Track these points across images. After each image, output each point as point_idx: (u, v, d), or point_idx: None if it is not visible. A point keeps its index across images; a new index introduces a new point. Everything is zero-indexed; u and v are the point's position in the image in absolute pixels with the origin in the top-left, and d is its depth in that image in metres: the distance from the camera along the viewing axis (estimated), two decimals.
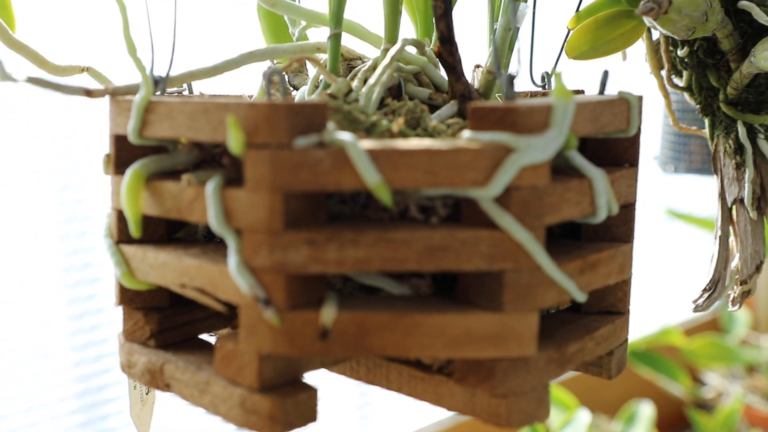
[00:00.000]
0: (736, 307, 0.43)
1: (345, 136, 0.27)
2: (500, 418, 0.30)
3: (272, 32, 0.39)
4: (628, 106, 0.33)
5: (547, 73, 0.42)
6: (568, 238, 0.35)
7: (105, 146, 0.34)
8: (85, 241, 0.77)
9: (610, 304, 0.35)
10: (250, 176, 0.27)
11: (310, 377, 0.31)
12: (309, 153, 0.27)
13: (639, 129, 0.34)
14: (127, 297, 0.33)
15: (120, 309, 0.34)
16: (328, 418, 0.94)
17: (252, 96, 0.41)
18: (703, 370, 1.19)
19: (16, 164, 0.73)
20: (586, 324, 0.33)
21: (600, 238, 0.34)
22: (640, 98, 0.34)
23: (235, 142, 0.27)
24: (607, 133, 0.33)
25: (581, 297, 0.31)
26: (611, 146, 0.34)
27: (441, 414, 1.05)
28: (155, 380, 0.33)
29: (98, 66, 0.37)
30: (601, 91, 0.35)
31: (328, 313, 0.28)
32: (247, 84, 0.44)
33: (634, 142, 0.34)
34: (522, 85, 0.44)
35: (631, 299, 0.36)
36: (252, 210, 0.27)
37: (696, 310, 0.43)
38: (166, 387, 0.32)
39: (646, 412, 0.99)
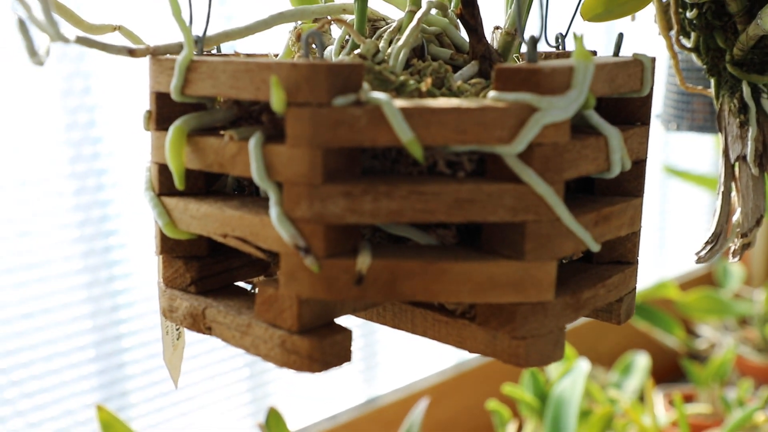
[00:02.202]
0: (737, 259, 0.46)
1: (380, 95, 0.29)
2: (520, 359, 0.32)
3: None
4: (642, 67, 0.35)
5: (561, 34, 0.44)
6: (582, 192, 0.37)
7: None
8: (102, 195, 0.79)
9: (621, 254, 0.37)
10: (292, 132, 0.29)
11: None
12: (347, 111, 0.29)
13: (651, 89, 0.36)
14: (168, 246, 0.35)
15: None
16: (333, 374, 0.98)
17: (278, 55, 0.43)
18: (697, 323, 1.23)
19: (28, 116, 0.74)
20: (599, 272, 0.36)
21: (612, 193, 0.36)
22: (653, 59, 0.36)
23: (277, 100, 0.29)
24: (622, 93, 0.35)
25: (596, 247, 0.33)
26: (625, 105, 0.36)
27: (440, 365, 1.09)
28: (197, 323, 0.35)
29: (129, 24, 0.39)
30: (616, 53, 0.37)
31: (364, 261, 0.30)
32: (270, 43, 0.45)
33: (646, 101, 0.36)
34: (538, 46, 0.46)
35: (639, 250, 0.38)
36: (293, 164, 0.29)
37: (699, 261, 0.46)
38: (208, 330, 0.35)
39: (641, 362, 1.03)
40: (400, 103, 0.29)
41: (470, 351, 0.34)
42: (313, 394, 1.00)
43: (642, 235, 0.39)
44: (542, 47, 0.45)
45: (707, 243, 0.46)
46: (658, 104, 0.76)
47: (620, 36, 0.36)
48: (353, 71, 0.29)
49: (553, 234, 0.31)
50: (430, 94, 0.33)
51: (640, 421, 0.91)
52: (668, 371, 1.24)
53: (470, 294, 0.31)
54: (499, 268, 0.30)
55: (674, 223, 1.38)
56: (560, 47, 0.44)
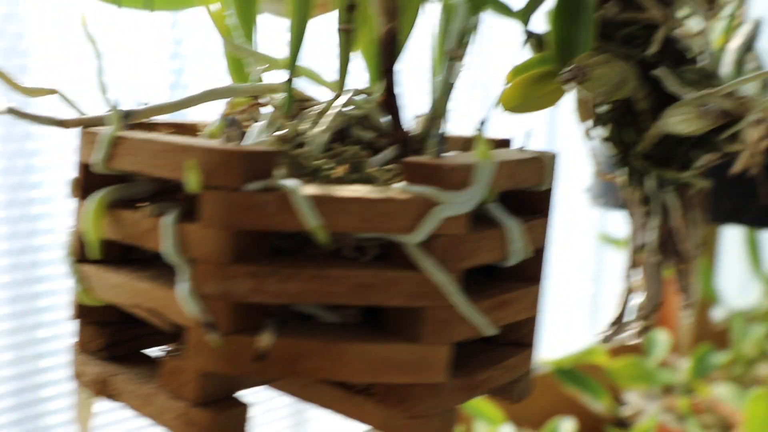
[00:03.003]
0: (639, 340, 0.48)
1: (290, 182, 0.31)
2: None
3: (236, 73, 0.42)
4: (542, 164, 0.37)
5: (481, 121, 0.46)
6: (486, 276, 0.39)
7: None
8: (32, 241, 0.78)
9: (519, 337, 0.39)
10: (204, 214, 0.31)
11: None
12: (258, 196, 0.30)
13: (551, 184, 0.38)
14: (82, 312, 0.36)
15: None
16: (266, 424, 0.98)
17: (209, 125, 0.45)
18: (624, 390, 1.26)
19: None
20: (496, 354, 0.38)
21: (513, 278, 0.38)
22: (554, 156, 0.38)
23: (192, 182, 0.30)
24: (524, 187, 0.37)
25: (491, 332, 0.35)
26: (527, 197, 0.38)
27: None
28: (104, 390, 0.36)
29: (67, 87, 0.40)
30: (523, 149, 0.39)
31: (266, 338, 0.31)
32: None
33: (547, 194, 0.39)
34: (463, 129, 0.49)
35: (539, 331, 0.40)
36: (204, 243, 0.31)
37: (603, 342, 0.48)
38: (114, 396, 0.35)
39: (566, 428, 1.04)
40: (309, 190, 0.31)
41: (370, 425, 0.35)
42: None
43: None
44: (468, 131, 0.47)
45: (612, 324, 0.48)
46: (588, 180, 0.79)
47: (526, 132, 0.39)
48: (267, 158, 0.31)
49: (448, 320, 0.32)
50: (343, 180, 0.34)
51: None
52: None
53: (368, 374, 0.32)
54: (396, 350, 0.32)
55: (608, 290, 1.42)
56: (482, 132, 0.47)
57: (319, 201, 0.30)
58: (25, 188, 0.76)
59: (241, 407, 0.33)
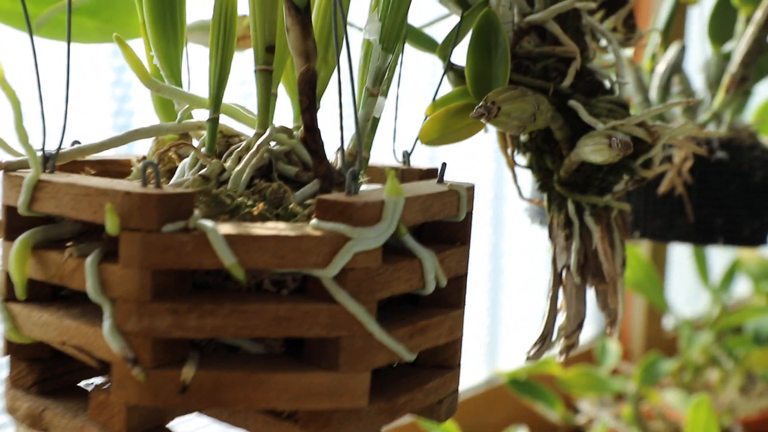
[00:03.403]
0: (562, 358, 0.50)
1: (206, 223, 0.32)
2: None
3: (163, 110, 0.44)
4: (458, 196, 0.39)
5: (406, 152, 0.48)
6: (410, 303, 0.41)
7: None
8: None
9: (442, 360, 0.41)
10: (124, 254, 0.32)
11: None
12: (175, 237, 0.32)
13: (469, 214, 0.40)
14: (13, 348, 0.37)
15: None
16: None
17: (141, 159, 0.46)
18: (577, 398, 1.28)
19: None
20: (419, 377, 0.39)
21: (435, 305, 0.40)
22: (470, 188, 0.40)
23: (111, 225, 0.32)
24: (440, 218, 0.39)
25: (409, 357, 0.36)
26: (444, 227, 0.40)
27: None
28: (36, 424, 0.37)
29: None
30: (440, 180, 0.41)
31: (188, 372, 0.32)
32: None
33: (465, 224, 0.40)
34: (387, 159, 0.50)
35: (462, 353, 0.42)
36: (124, 283, 0.32)
37: (528, 359, 0.50)
38: (46, 430, 0.36)
39: None
40: (225, 229, 0.32)
41: None
42: None
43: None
44: (392, 161, 0.49)
45: (536, 343, 0.50)
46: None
47: (444, 165, 0.41)
48: (184, 200, 0.32)
49: (366, 348, 0.34)
50: (262, 217, 0.36)
51: None
52: None
53: (289, 402, 0.33)
54: (316, 379, 0.33)
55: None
56: (406, 162, 0.49)
57: (234, 240, 0.32)
58: None
59: None
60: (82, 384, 0.39)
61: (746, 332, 1.25)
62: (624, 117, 0.48)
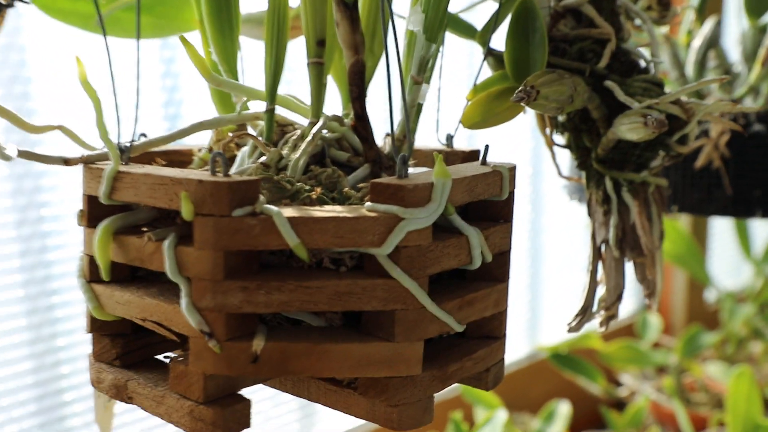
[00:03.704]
0: (603, 329, 0.53)
1: (272, 207, 0.35)
2: (393, 423, 0.38)
3: (221, 102, 0.47)
4: (500, 176, 0.42)
5: (450, 135, 0.51)
6: (458, 277, 0.43)
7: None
8: (45, 257, 0.83)
9: (488, 330, 0.43)
10: (198, 237, 0.35)
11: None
12: (244, 221, 0.35)
13: (511, 193, 0.43)
14: (97, 325, 0.41)
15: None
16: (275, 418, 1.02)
17: (201, 149, 0.49)
18: (619, 372, 1.30)
19: None
20: (467, 347, 0.42)
21: (480, 278, 0.43)
22: (512, 168, 0.43)
23: (186, 211, 0.35)
24: (484, 198, 0.41)
25: (459, 328, 0.39)
26: (489, 206, 0.43)
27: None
28: (120, 394, 0.40)
29: (70, 116, 0.45)
30: (483, 162, 0.43)
31: (258, 344, 0.36)
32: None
33: (507, 203, 0.43)
34: (431, 143, 0.53)
35: (507, 325, 0.44)
36: (199, 263, 0.35)
37: (569, 331, 0.52)
38: (129, 399, 0.40)
39: (563, 410, 1.09)
40: (288, 212, 0.35)
41: (355, 416, 0.40)
42: None
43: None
44: (436, 144, 0.52)
45: (577, 315, 0.52)
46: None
47: (486, 147, 0.43)
48: (250, 187, 0.36)
49: (419, 320, 0.37)
50: (320, 200, 0.39)
51: None
52: (592, 418, 1.31)
53: (350, 370, 0.36)
54: (374, 348, 0.36)
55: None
56: (449, 145, 0.51)
57: (297, 222, 0.35)
58: (35, 207, 0.81)
59: (244, 402, 0.37)
60: (161, 357, 0.42)
61: None
62: (659, 95, 0.50)
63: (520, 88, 0.43)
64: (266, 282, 0.35)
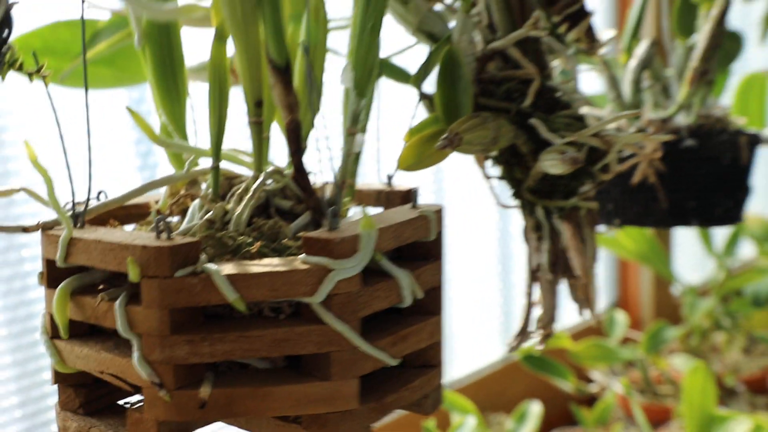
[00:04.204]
0: (542, 347, 0.55)
1: (211, 266, 0.38)
2: None
3: (174, 159, 0.49)
4: (427, 220, 0.44)
5: (390, 175, 0.54)
6: (395, 312, 0.46)
7: None
8: (27, 295, 0.85)
9: (424, 360, 0.46)
10: (145, 297, 0.38)
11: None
12: (186, 280, 0.37)
13: (439, 233, 0.46)
14: (61, 377, 0.43)
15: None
16: None
17: (158, 201, 0.52)
18: (589, 369, 1.33)
19: None
20: (405, 377, 0.45)
21: (415, 313, 0.45)
22: (439, 211, 0.45)
23: (133, 274, 0.38)
24: (412, 241, 0.44)
25: (394, 362, 0.42)
26: (419, 246, 0.45)
27: None
28: None
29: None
30: (414, 205, 0.46)
31: (205, 391, 0.38)
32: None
33: (436, 242, 0.46)
34: (374, 181, 0.56)
35: (443, 353, 0.47)
36: (147, 321, 0.38)
37: (510, 351, 0.55)
38: None
39: (534, 410, 1.12)
40: (227, 269, 0.38)
41: None
42: None
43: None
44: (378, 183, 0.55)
45: (516, 336, 0.55)
46: None
47: (415, 191, 0.46)
48: (191, 248, 0.38)
49: (353, 359, 0.40)
50: (260, 253, 0.42)
51: None
52: (564, 415, 1.34)
53: (291, 409, 0.39)
54: (312, 388, 0.39)
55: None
56: (390, 185, 0.54)
57: (235, 279, 0.38)
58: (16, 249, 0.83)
59: None
60: (120, 402, 0.45)
61: (746, 295, 1.28)
62: (580, 129, 0.53)
63: (443, 136, 0.46)
64: (210, 334, 0.38)
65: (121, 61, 0.64)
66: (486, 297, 1.35)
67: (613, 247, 1.37)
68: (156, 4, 0.27)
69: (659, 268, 1.37)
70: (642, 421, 0.98)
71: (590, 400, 1.33)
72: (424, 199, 1.18)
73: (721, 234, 1.52)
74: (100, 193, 0.47)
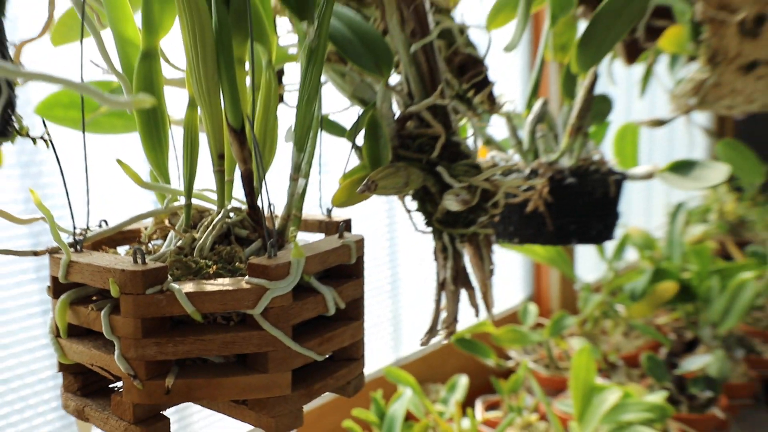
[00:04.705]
0: (447, 341, 0.57)
1: (175, 285, 0.39)
2: (272, 428, 0.42)
3: (160, 196, 0.51)
4: (349, 248, 0.46)
5: (329, 209, 0.55)
6: (325, 319, 0.47)
7: None
8: None
9: (348, 355, 0.47)
10: (123, 309, 0.39)
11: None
12: (155, 297, 0.39)
13: (359, 257, 0.47)
14: (63, 367, 0.44)
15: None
16: None
17: (147, 227, 0.53)
18: (507, 349, 1.35)
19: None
20: (332, 368, 0.46)
21: (340, 319, 0.47)
22: (359, 241, 0.47)
23: (113, 291, 0.39)
24: (337, 264, 0.45)
25: (320, 358, 0.43)
26: (343, 268, 0.47)
27: None
28: (81, 415, 0.44)
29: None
30: (340, 235, 0.48)
31: (169, 381, 0.40)
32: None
33: (357, 265, 0.47)
34: (317, 213, 0.57)
35: (364, 348, 0.49)
36: (124, 327, 0.39)
37: (422, 344, 0.57)
38: (87, 419, 0.43)
39: (462, 382, 1.14)
40: (187, 288, 0.39)
41: (249, 424, 0.44)
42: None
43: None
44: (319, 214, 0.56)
45: (426, 333, 0.57)
46: None
47: (344, 223, 0.47)
48: (159, 272, 0.39)
49: (286, 356, 0.41)
50: (217, 274, 0.43)
51: (459, 424, 1.01)
52: (487, 385, 1.36)
53: (237, 395, 0.40)
54: (254, 379, 0.41)
55: (496, 277, 1.52)
56: (329, 216, 0.55)
57: (192, 296, 0.39)
58: None
59: (164, 421, 0.41)
60: (111, 386, 0.46)
61: (625, 292, 1.31)
62: (475, 175, 0.55)
63: (363, 183, 0.48)
64: (173, 338, 0.39)
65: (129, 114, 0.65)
66: (429, 292, 1.36)
67: (529, 254, 1.39)
68: (112, 96, 0.28)
69: (564, 270, 1.39)
70: (537, 389, 1.00)
71: (507, 374, 1.35)
72: (379, 222, 1.18)
73: (612, 243, 1.55)
74: (101, 222, 0.48)
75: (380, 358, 1.22)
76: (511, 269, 1.54)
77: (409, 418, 1.12)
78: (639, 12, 0.69)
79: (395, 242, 1.22)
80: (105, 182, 0.80)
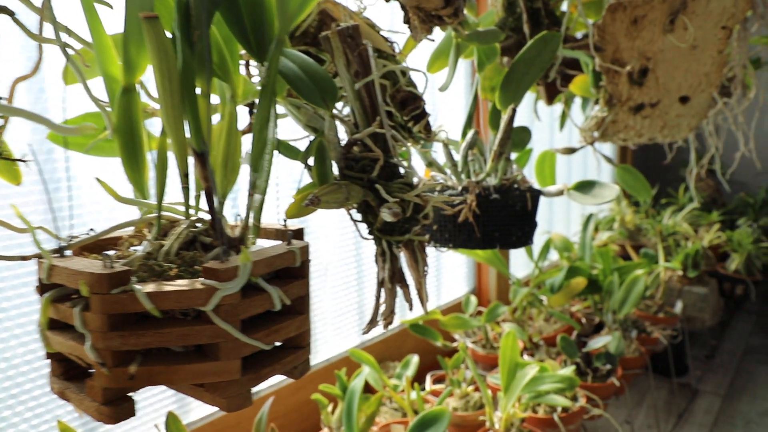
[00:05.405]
0: (386, 330, 0.56)
1: (137, 286, 0.37)
2: (224, 407, 0.40)
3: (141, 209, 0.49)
4: (294, 254, 0.44)
5: (284, 219, 0.53)
6: (274, 313, 0.45)
7: None
8: None
9: (295, 343, 0.46)
10: (92, 306, 0.37)
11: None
12: (119, 296, 0.37)
13: (304, 261, 0.46)
14: (49, 354, 0.42)
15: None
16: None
17: (129, 234, 0.51)
18: (453, 333, 1.34)
19: None
20: (279, 355, 0.44)
21: (287, 313, 0.45)
22: (304, 247, 0.46)
23: (84, 291, 0.37)
24: (284, 266, 0.44)
25: (267, 347, 0.42)
26: (291, 270, 0.46)
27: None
28: (63, 395, 0.42)
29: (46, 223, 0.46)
30: (288, 243, 0.46)
31: (133, 368, 0.38)
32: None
33: (302, 267, 0.46)
34: (275, 222, 0.56)
35: (310, 337, 0.47)
36: (94, 322, 0.37)
37: (363, 333, 0.55)
38: (67, 400, 0.41)
39: (414, 360, 1.12)
40: (148, 288, 0.37)
41: (206, 403, 0.42)
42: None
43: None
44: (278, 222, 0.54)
45: (368, 324, 0.55)
46: None
47: (291, 233, 0.46)
48: (124, 275, 0.38)
49: (236, 346, 0.39)
50: (178, 276, 0.41)
51: (409, 396, 1.00)
52: (435, 363, 1.35)
53: (194, 379, 0.39)
54: (208, 366, 0.39)
55: (445, 274, 1.51)
56: (285, 225, 0.54)
57: (152, 295, 0.37)
58: None
59: (130, 402, 0.39)
60: (88, 371, 0.44)
61: (547, 285, 1.31)
62: (408, 192, 0.54)
63: (308, 197, 0.46)
64: (135, 331, 0.37)
65: None
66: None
67: (472, 255, 1.38)
68: (63, 125, 0.27)
69: (500, 268, 1.39)
70: (471, 365, 1.00)
71: (452, 353, 1.34)
72: (347, 227, 1.16)
73: (538, 246, 1.55)
74: (91, 230, 0.46)
75: (347, 341, 1.20)
76: (457, 268, 1.54)
77: (370, 390, 1.10)
78: (548, 61, 0.69)
79: (360, 244, 1.21)
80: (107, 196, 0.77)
